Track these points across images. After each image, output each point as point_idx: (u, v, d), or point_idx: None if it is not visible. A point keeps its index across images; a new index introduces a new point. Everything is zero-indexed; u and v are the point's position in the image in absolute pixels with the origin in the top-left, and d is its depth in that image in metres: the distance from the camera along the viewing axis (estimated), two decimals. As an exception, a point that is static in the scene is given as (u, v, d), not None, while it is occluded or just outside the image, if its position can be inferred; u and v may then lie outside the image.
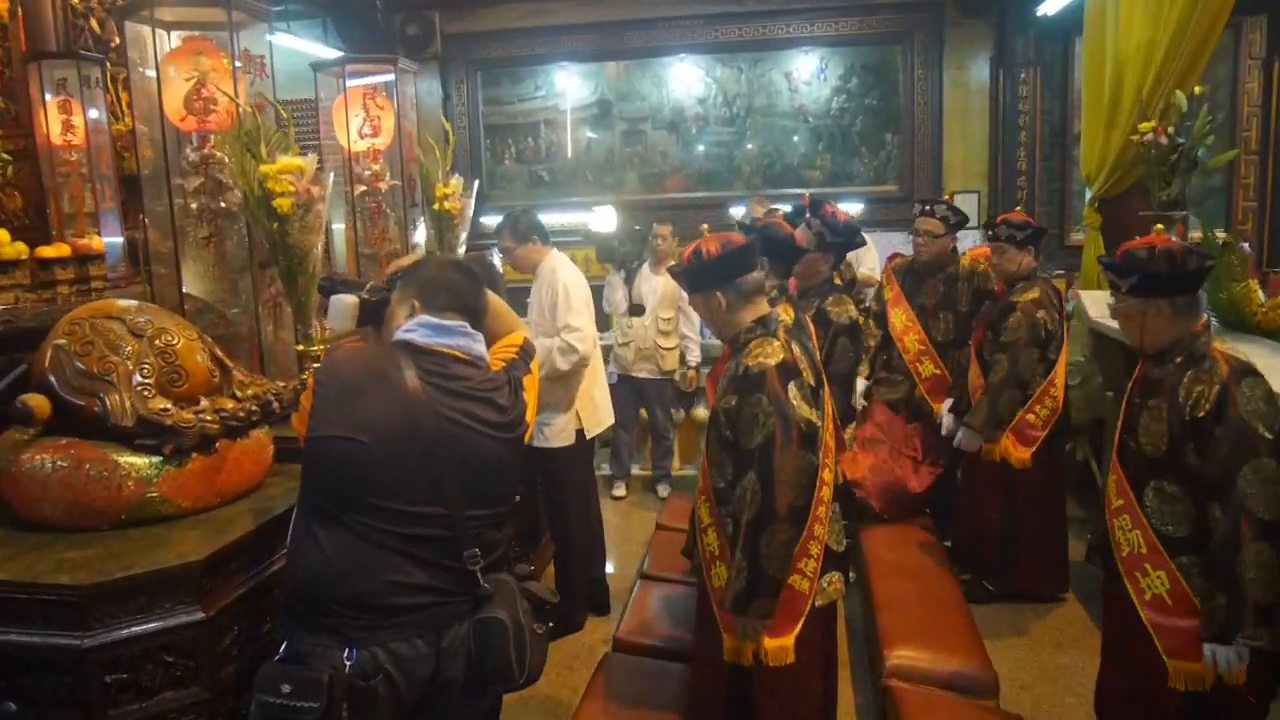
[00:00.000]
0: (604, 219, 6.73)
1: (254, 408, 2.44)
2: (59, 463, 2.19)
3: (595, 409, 3.98)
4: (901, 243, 7.06)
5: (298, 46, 6.56)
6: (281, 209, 2.70)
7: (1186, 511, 2.41)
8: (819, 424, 2.38)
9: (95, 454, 2.21)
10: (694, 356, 5.73)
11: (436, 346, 1.95)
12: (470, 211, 3.95)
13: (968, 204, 7.49)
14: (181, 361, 2.37)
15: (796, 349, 2.44)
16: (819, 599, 2.49)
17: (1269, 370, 3.21)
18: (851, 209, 7.69)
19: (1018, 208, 7.05)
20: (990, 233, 3.85)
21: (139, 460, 2.23)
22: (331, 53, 6.17)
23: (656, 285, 5.58)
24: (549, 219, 6.53)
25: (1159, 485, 2.46)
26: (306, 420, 1.85)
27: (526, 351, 2.19)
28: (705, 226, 3.41)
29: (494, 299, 2.21)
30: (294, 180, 2.72)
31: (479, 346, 2.01)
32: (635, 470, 6.11)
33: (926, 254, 4.31)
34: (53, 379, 2.25)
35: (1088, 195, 5.13)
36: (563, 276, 3.78)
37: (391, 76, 3.79)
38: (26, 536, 2.20)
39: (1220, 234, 4.61)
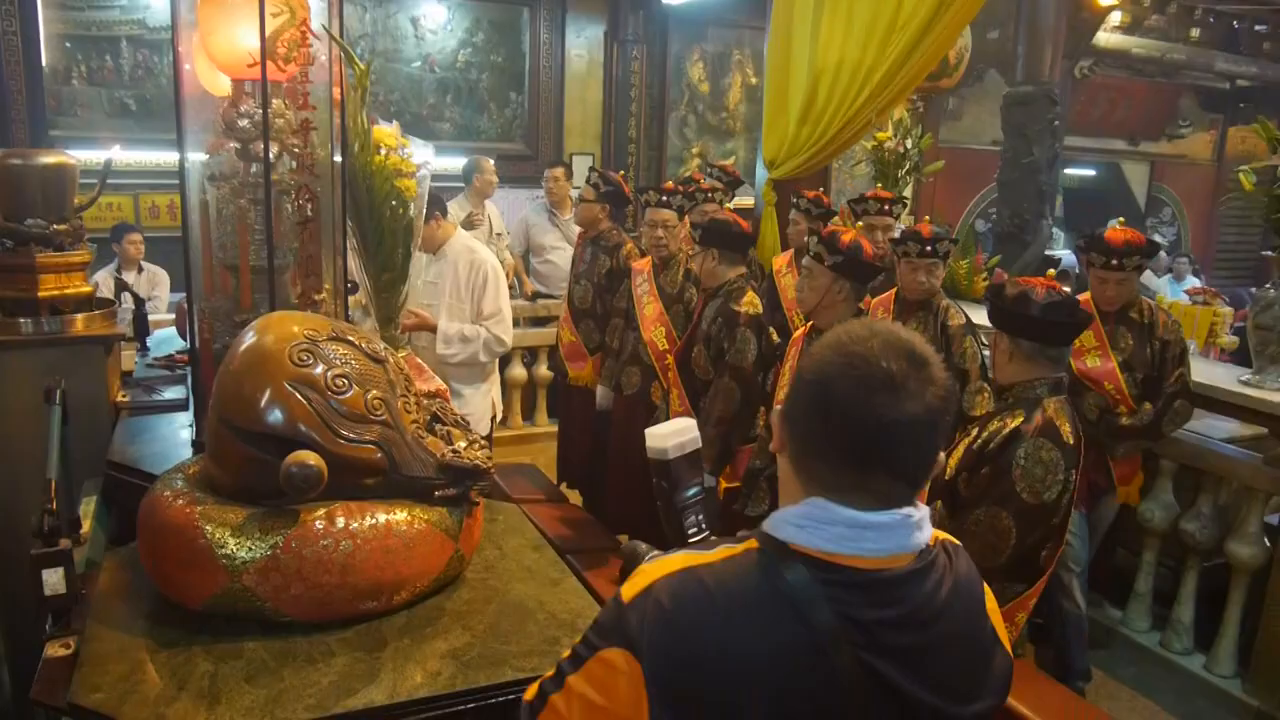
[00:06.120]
0: None
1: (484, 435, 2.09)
2: (368, 535, 1.69)
3: (501, 388, 3.82)
4: (528, 199, 7.48)
5: None
6: (409, 192, 2.26)
7: None
8: None
9: (397, 515, 1.75)
10: None
11: (846, 560, 1.02)
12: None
13: (583, 165, 8.15)
14: (415, 389, 1.94)
15: None
16: None
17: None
18: (480, 164, 7.81)
19: (622, 171, 7.96)
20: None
21: (443, 514, 1.82)
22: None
23: None
24: (139, 157, 6.45)
25: None
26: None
27: None
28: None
29: None
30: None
31: (921, 535, 1.06)
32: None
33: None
34: (306, 429, 1.69)
35: (760, 175, 6.15)
36: (485, 257, 3.54)
37: None
38: (329, 638, 1.67)
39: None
